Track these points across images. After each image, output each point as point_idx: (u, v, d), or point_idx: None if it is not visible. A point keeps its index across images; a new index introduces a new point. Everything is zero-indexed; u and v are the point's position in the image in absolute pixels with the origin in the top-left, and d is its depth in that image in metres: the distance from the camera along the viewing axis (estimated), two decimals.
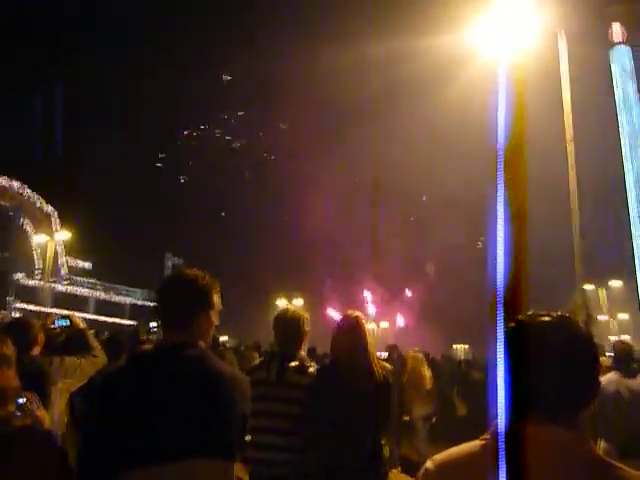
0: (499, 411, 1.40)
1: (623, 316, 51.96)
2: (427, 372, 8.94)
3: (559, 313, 1.47)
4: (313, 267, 56.58)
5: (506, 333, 1.45)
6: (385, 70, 55.07)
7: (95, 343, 4.25)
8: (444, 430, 9.50)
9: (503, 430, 1.40)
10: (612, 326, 48.51)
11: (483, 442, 1.42)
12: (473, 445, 1.44)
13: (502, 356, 1.40)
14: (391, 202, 58.29)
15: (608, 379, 5.27)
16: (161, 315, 2.31)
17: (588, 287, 8.15)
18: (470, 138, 49.22)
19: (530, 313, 1.48)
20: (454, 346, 53.36)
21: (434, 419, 8.78)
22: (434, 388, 8.92)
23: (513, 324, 1.46)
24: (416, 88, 53.93)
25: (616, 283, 48.19)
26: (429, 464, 1.48)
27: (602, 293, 44.48)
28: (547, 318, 1.45)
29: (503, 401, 1.42)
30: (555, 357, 1.38)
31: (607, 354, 10.96)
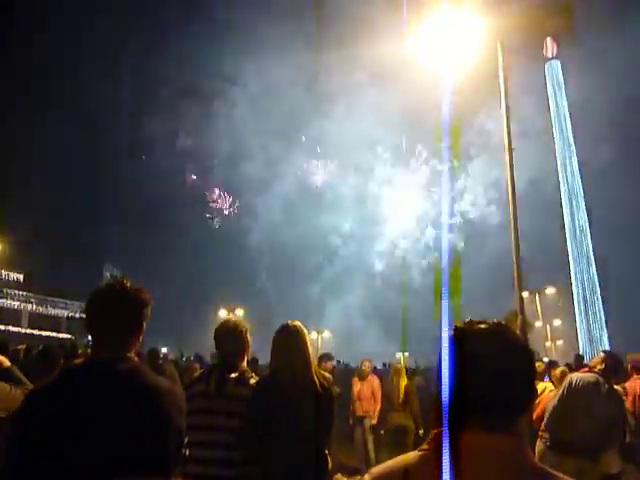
0: (437, 420, 1.40)
1: (557, 322, 53.72)
2: (402, 383, 9.02)
3: (495, 320, 1.48)
4: (257, 276, 56.32)
5: (442, 342, 1.45)
6: (323, 80, 55.43)
7: (24, 379, 4.03)
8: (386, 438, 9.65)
9: (442, 439, 1.39)
10: (546, 332, 49.99)
11: (421, 452, 1.41)
12: (412, 456, 1.42)
13: (444, 364, 1.39)
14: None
15: (585, 378, 5.34)
16: (92, 329, 2.22)
17: (524, 294, 8.41)
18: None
19: (467, 321, 1.48)
20: (397, 354, 54.01)
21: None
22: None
23: (451, 332, 1.46)
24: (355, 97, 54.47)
25: (550, 290, 49.74)
26: (367, 477, 1.46)
27: (537, 300, 45.77)
28: (483, 326, 1.45)
29: (441, 410, 1.41)
30: (491, 365, 1.38)
31: (544, 359, 11.32)
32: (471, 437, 1.34)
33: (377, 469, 1.47)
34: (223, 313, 48.97)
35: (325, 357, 9.34)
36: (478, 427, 1.35)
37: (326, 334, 56.10)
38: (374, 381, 9.85)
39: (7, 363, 4.05)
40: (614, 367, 5.40)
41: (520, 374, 1.41)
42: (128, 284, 2.25)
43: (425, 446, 1.41)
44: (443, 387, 1.45)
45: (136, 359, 2.20)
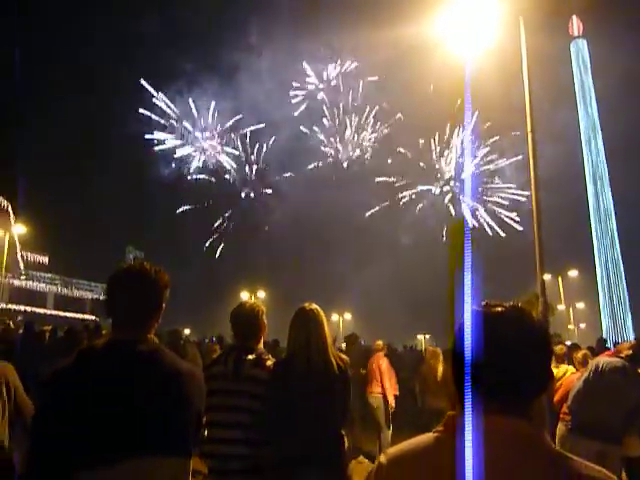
0: (452, 402, 1.39)
1: (580, 305, 53.33)
2: (440, 366, 9.01)
3: (512, 303, 1.47)
4: (280, 258, 56.46)
5: (460, 324, 1.44)
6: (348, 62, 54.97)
7: None
8: (405, 422, 9.68)
9: (457, 421, 1.39)
10: (569, 315, 49.65)
11: (437, 434, 1.40)
12: (427, 437, 1.42)
13: (461, 347, 1.38)
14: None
15: (613, 362, 5.32)
16: (112, 311, 2.24)
17: (546, 276, 8.34)
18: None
19: (484, 303, 1.46)
20: (418, 336, 54.08)
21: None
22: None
23: (468, 315, 1.45)
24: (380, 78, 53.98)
25: (573, 273, 49.34)
26: (382, 458, 1.46)
27: (559, 282, 45.41)
28: (500, 309, 1.43)
29: (458, 393, 1.41)
30: (507, 348, 1.37)
31: (566, 342, 11.25)
32: (487, 419, 1.33)
33: (393, 450, 1.46)
34: (245, 295, 49.47)
35: (351, 338, 9.37)
36: (494, 409, 1.34)
37: (347, 316, 56.24)
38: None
39: None
40: None
41: (536, 357, 1.39)
42: (148, 266, 2.26)
43: (440, 427, 1.41)
44: (458, 369, 1.44)
45: (156, 340, 2.22)
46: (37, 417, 2.12)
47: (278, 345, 11.24)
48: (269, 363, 3.56)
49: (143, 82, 52.16)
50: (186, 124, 54.30)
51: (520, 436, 1.31)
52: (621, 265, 53.35)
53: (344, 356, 3.73)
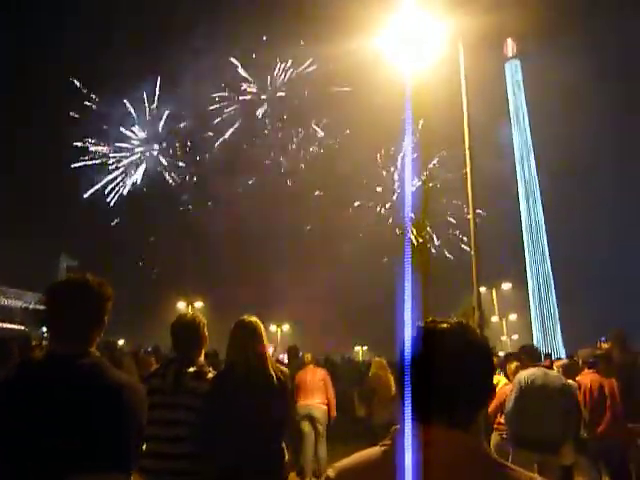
0: (398, 416, 1.41)
1: (513, 317, 54.92)
2: (391, 377, 8.95)
3: (457, 320, 1.51)
4: (218, 267, 55.88)
5: (402, 340, 1.47)
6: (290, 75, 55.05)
7: None
8: (344, 432, 9.69)
9: (403, 435, 1.41)
10: (503, 326, 50.99)
11: (384, 447, 1.42)
12: (374, 451, 1.43)
13: (406, 360, 1.41)
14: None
15: (534, 373, 5.51)
16: (52, 323, 2.17)
17: (480, 289, 8.58)
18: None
19: (429, 320, 1.50)
20: (355, 348, 54.47)
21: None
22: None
23: (415, 331, 1.48)
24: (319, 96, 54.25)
25: (507, 285, 50.75)
26: (330, 472, 1.47)
27: (493, 295, 46.61)
28: (445, 325, 1.47)
29: (403, 406, 1.43)
30: (453, 362, 1.40)
31: (499, 354, 11.55)
32: (433, 432, 1.36)
33: (340, 464, 1.47)
34: (182, 305, 48.64)
35: (292, 350, 9.31)
36: (440, 423, 1.36)
37: (285, 327, 56.11)
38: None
39: None
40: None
41: (481, 372, 1.43)
42: (90, 278, 2.20)
43: (388, 441, 1.42)
44: (405, 384, 1.47)
45: (97, 354, 2.17)
46: None
47: (217, 356, 11.08)
48: (210, 375, 3.52)
49: (76, 82, 50.44)
50: (125, 130, 52.97)
51: (464, 449, 1.34)
52: (551, 279, 55.30)
53: (284, 368, 3.73)
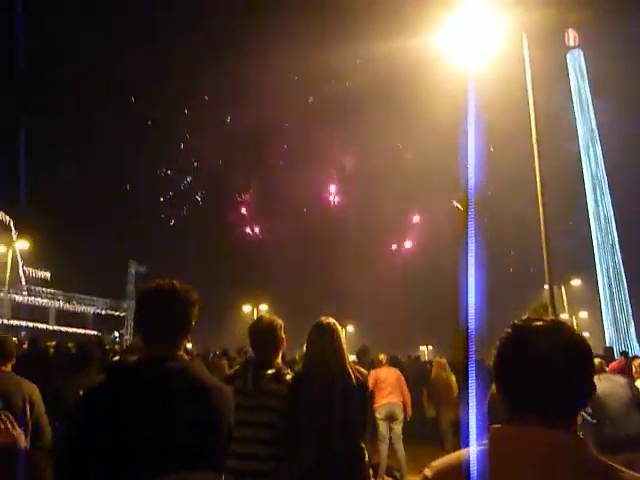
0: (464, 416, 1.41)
1: (583, 314, 53.20)
2: (452, 377, 8.98)
3: (553, 318, 1.49)
4: (282, 268, 56.28)
5: (502, 338, 1.47)
6: (351, 74, 55.06)
7: None
8: (413, 432, 9.65)
9: (501, 435, 1.41)
10: (573, 324, 49.46)
11: (482, 447, 1.41)
12: (472, 451, 1.43)
13: (502, 361, 1.41)
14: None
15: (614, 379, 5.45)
16: (143, 328, 2.27)
17: (546, 286, 8.40)
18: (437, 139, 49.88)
19: (525, 318, 1.49)
20: (420, 347, 53.87)
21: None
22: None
23: (509, 329, 1.47)
24: (382, 92, 54.06)
25: (576, 282, 49.26)
26: (427, 471, 1.47)
27: (562, 291, 45.24)
28: (541, 322, 1.46)
29: (468, 406, 1.43)
30: (551, 361, 1.39)
31: None
32: (531, 432, 1.35)
33: (437, 463, 1.48)
34: (247, 309, 49.34)
35: (363, 351, 9.35)
36: (537, 422, 1.35)
37: (350, 328, 56.06)
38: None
39: None
40: None
41: (579, 370, 1.41)
42: (177, 284, 2.29)
43: (485, 440, 1.42)
44: (501, 383, 1.47)
45: (186, 357, 2.25)
46: (70, 433, 2.14)
47: (284, 358, 11.22)
48: (288, 377, 3.56)
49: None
50: None
51: (565, 449, 1.33)
52: (623, 274, 53.24)
53: (362, 369, 3.74)
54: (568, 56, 56.61)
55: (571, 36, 54.98)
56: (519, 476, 1.32)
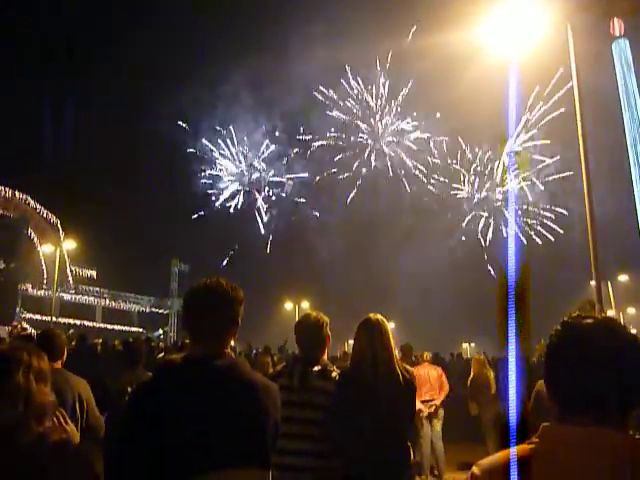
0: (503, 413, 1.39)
1: (631, 310, 51.88)
2: (491, 374, 8.98)
3: (603, 315, 1.47)
4: (323, 265, 56.33)
5: (552, 336, 1.45)
6: (394, 68, 54.61)
7: None
8: (456, 431, 9.59)
9: (552, 433, 1.39)
10: (621, 321, 48.14)
11: (532, 446, 1.40)
12: (521, 449, 1.42)
13: (553, 361, 1.39)
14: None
15: None
16: (190, 326, 2.31)
17: (594, 282, 8.20)
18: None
19: (575, 315, 1.47)
20: (463, 345, 53.29)
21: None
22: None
23: (559, 327, 1.46)
24: (423, 86, 53.53)
25: (623, 277, 48.07)
26: (475, 469, 1.47)
27: (609, 287, 44.17)
28: (592, 320, 1.44)
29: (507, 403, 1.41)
30: (604, 359, 1.37)
31: None
32: (584, 432, 1.33)
33: (485, 461, 1.47)
34: (289, 306, 49.59)
35: (406, 348, 9.35)
36: (590, 422, 1.34)
37: (391, 325, 55.67)
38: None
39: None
40: None
41: (632, 367, 1.39)
42: (224, 282, 2.33)
43: (535, 439, 1.41)
44: (552, 380, 1.45)
45: (233, 355, 2.28)
46: (119, 433, 2.19)
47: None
48: (334, 374, 3.58)
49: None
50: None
51: (620, 449, 1.31)
52: None
53: (409, 367, 3.73)
54: (613, 46, 55.18)
55: (617, 25, 53.59)
56: (572, 477, 1.31)
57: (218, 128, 53.54)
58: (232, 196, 55.16)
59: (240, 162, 55.18)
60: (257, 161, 55.23)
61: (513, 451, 1.44)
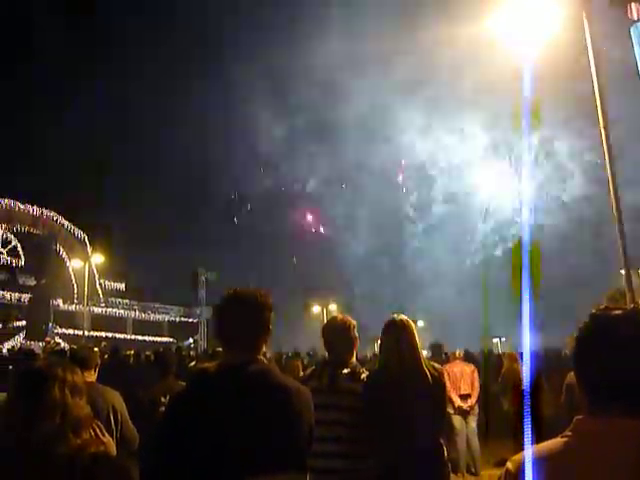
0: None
1: None
2: (521, 369, 8.95)
3: (632, 305, 1.47)
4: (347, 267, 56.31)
5: (581, 329, 1.45)
6: (407, 63, 54.45)
7: None
8: (491, 427, 9.51)
9: (585, 426, 1.38)
10: None
11: (565, 439, 1.39)
12: (555, 443, 1.41)
13: (584, 350, 1.39)
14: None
15: None
16: (223, 335, 2.34)
17: (622, 271, 8.03)
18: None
19: (602, 307, 1.47)
20: (494, 340, 52.80)
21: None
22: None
23: (588, 319, 1.45)
24: (437, 81, 53.37)
25: None
26: (509, 465, 1.46)
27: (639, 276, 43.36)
28: (620, 311, 1.43)
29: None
30: (631, 349, 1.36)
31: None
32: (618, 424, 1.32)
33: (520, 456, 1.47)
34: (317, 309, 49.66)
35: (436, 347, 9.33)
36: (623, 414, 1.33)
37: (420, 323, 55.44)
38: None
39: None
40: None
41: None
42: (254, 290, 2.37)
43: (568, 432, 1.40)
44: (582, 373, 1.44)
45: (265, 361, 2.31)
46: (155, 443, 2.23)
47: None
48: (363, 376, 3.59)
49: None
50: None
51: None
52: None
53: (437, 365, 3.72)
54: (632, 30, 54.35)
55: (634, 9, 52.76)
56: (607, 470, 1.30)
57: None
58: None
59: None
60: None
61: (547, 445, 1.43)
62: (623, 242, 7.41)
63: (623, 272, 7.96)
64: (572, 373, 4.42)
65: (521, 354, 10.27)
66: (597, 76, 7.72)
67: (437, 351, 9.54)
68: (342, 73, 54.15)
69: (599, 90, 7.63)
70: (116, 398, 4.10)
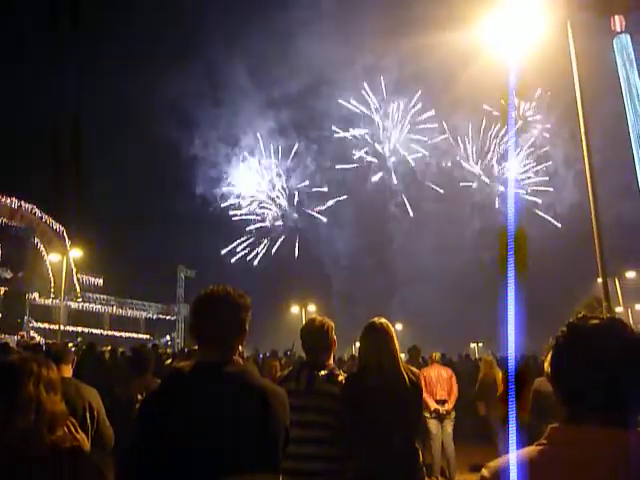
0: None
1: (639, 307, 51.64)
2: (499, 375, 9.01)
3: (609, 315, 1.48)
4: (324, 270, 56.32)
5: (558, 337, 1.46)
6: (393, 69, 54.62)
7: None
8: (467, 431, 9.58)
9: (561, 434, 1.39)
10: (628, 317, 48.01)
11: (541, 447, 1.40)
12: (530, 451, 1.42)
13: (559, 362, 1.40)
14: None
15: None
16: (198, 334, 2.32)
17: (600, 279, 8.17)
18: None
19: (580, 316, 1.47)
20: (471, 345, 53.20)
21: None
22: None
23: (565, 328, 1.46)
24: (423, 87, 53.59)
25: (631, 274, 47.90)
26: (485, 472, 1.47)
27: (616, 284, 43.93)
28: (597, 321, 1.44)
29: (511, 404, 1.41)
30: (609, 359, 1.37)
31: None
32: (592, 433, 1.33)
33: (495, 463, 1.47)
34: (295, 310, 49.64)
35: (413, 350, 9.35)
36: (598, 423, 1.34)
37: (398, 326, 55.70)
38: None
39: None
40: None
41: (638, 368, 1.39)
42: (231, 289, 2.35)
43: (544, 440, 1.41)
44: (559, 381, 1.45)
45: (241, 361, 2.29)
46: (130, 441, 2.21)
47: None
48: (341, 378, 3.59)
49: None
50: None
51: (631, 449, 1.31)
52: None
53: (414, 369, 3.74)
54: (615, 42, 55.06)
55: (617, 21, 53.46)
56: (579, 477, 1.31)
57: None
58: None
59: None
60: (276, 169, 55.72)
61: (521, 453, 1.44)
62: (601, 250, 7.55)
63: (600, 280, 8.09)
64: (540, 379, 4.47)
65: (500, 359, 10.38)
66: (579, 83, 7.84)
67: (415, 355, 9.57)
68: (326, 76, 54.06)
69: (580, 96, 7.76)
70: (93, 395, 4.05)
